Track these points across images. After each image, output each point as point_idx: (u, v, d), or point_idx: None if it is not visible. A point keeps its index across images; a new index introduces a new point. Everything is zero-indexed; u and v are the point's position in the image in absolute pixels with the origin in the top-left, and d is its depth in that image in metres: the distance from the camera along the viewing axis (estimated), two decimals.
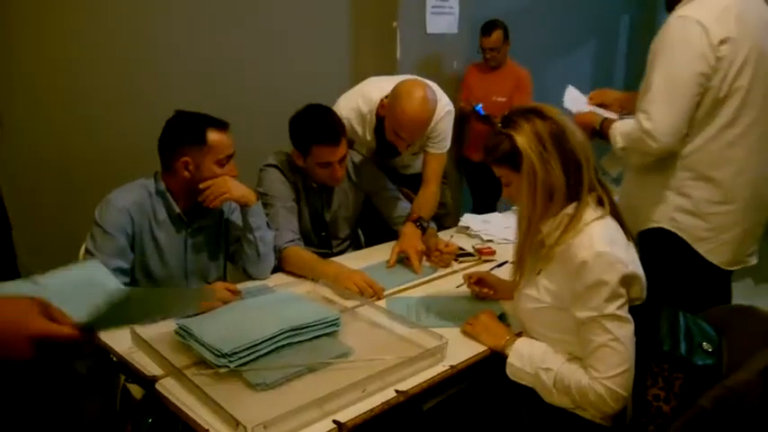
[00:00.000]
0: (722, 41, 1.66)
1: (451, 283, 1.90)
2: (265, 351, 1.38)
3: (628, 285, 1.28)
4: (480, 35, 3.63)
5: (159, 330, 1.50)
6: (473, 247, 2.24)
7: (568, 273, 1.30)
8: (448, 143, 2.40)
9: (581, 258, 1.27)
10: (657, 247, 1.85)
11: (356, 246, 2.39)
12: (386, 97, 2.14)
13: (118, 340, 1.48)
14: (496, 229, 2.40)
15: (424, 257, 2.09)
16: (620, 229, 1.35)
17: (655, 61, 1.72)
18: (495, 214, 2.64)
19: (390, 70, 3.39)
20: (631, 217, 1.71)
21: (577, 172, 1.33)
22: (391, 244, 2.18)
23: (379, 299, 1.77)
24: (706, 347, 1.31)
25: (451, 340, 1.47)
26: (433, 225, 2.29)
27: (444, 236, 2.37)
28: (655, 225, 1.86)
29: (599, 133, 1.91)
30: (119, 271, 1.68)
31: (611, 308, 1.25)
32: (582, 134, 1.36)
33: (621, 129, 1.82)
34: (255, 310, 1.54)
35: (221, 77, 2.91)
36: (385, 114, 2.13)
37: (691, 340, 1.31)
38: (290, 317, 1.47)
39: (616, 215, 1.36)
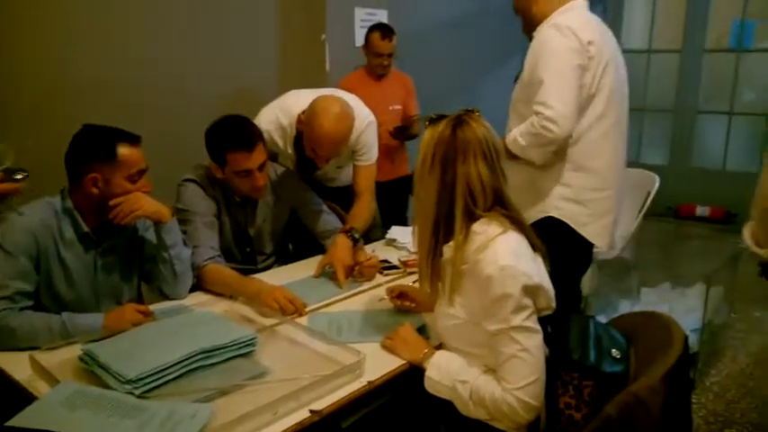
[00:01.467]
0: (590, 42, 1.89)
1: (376, 296, 1.89)
2: (175, 375, 1.32)
3: (533, 296, 1.30)
4: (378, 39, 3.29)
5: (62, 357, 1.43)
6: (399, 260, 2.24)
7: (478, 288, 1.32)
8: (375, 154, 2.40)
9: (487, 273, 1.29)
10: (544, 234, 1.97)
11: (283, 261, 2.35)
12: (303, 112, 2.11)
13: (16, 367, 1.40)
14: None
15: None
16: (526, 243, 1.37)
17: (538, 63, 1.89)
18: None
19: (320, 83, 3.38)
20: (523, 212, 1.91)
21: (450, 200, 1.36)
22: (319, 258, 2.16)
23: (300, 315, 1.74)
24: (615, 354, 1.34)
25: (371, 355, 1.46)
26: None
27: (372, 248, 2.37)
28: (542, 215, 2.01)
29: None
30: (22, 294, 1.58)
31: (519, 319, 1.27)
32: (483, 168, 1.35)
33: (519, 130, 1.94)
34: (166, 332, 1.48)
35: (145, 89, 2.82)
36: (303, 129, 2.11)
37: (600, 348, 1.34)
38: (202, 338, 1.41)
39: (523, 230, 1.38)
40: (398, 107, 3.50)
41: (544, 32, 1.92)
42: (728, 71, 5.49)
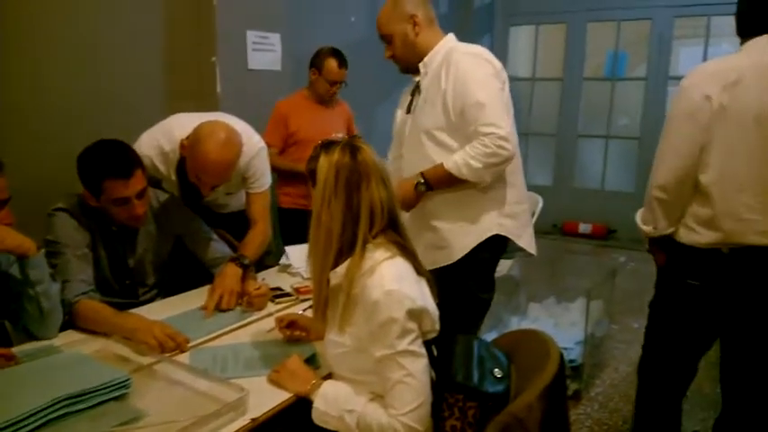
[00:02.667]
0: (501, 68, 2.02)
1: (265, 327, 1.83)
2: (37, 425, 1.21)
3: (418, 319, 1.31)
4: (336, 66, 3.28)
5: None
6: (291, 287, 2.19)
7: (365, 314, 1.31)
8: (267, 180, 2.36)
9: (373, 298, 1.29)
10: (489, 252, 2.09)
11: (168, 292, 2.23)
12: (187, 137, 2.04)
13: None
14: None
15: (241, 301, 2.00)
16: (411, 267, 1.38)
17: (468, 90, 1.93)
18: None
19: (211, 106, 3.29)
20: (461, 238, 2.04)
21: (354, 225, 1.35)
22: (208, 288, 2.07)
23: (181, 352, 1.65)
24: (497, 374, 1.37)
25: (257, 390, 1.41)
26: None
27: (263, 276, 2.31)
28: (489, 234, 2.05)
29: (426, 185, 2.02)
30: None
31: (404, 344, 1.27)
32: (383, 191, 1.37)
33: (468, 154, 1.92)
34: (29, 377, 1.37)
35: (9, 109, 2.61)
36: (186, 155, 2.03)
37: (483, 368, 1.37)
38: (69, 382, 1.31)
39: (408, 254, 1.40)
40: (341, 135, 3.42)
41: (464, 59, 1.97)
42: (604, 98, 5.94)
